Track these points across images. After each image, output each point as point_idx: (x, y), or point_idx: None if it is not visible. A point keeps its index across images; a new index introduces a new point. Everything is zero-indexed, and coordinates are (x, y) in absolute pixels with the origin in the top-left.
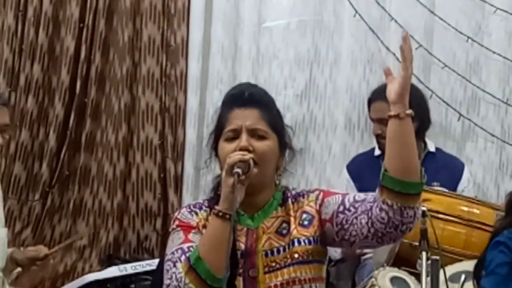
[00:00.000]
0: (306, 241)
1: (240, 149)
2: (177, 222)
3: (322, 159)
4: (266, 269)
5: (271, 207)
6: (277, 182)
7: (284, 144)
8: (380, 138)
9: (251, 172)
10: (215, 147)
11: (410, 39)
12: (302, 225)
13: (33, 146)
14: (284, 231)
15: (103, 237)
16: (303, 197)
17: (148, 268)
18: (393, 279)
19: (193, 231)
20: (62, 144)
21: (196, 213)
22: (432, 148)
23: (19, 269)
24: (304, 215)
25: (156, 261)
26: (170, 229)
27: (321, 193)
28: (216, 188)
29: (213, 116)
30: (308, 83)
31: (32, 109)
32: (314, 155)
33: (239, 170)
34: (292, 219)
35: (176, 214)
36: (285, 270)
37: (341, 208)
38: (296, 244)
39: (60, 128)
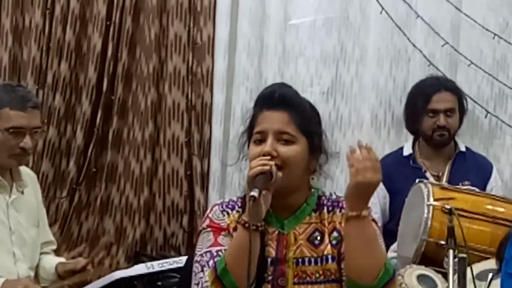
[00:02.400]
0: (337, 259)
1: (264, 155)
2: (208, 222)
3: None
4: (296, 279)
5: (303, 212)
6: (311, 184)
7: (316, 147)
8: (443, 130)
9: (275, 178)
10: (248, 147)
11: (362, 148)
12: (331, 242)
13: (61, 143)
14: (316, 242)
15: (130, 234)
16: (340, 210)
17: (175, 266)
18: (420, 277)
19: (223, 233)
20: (89, 142)
21: (228, 214)
22: (462, 148)
23: (65, 282)
24: (335, 234)
25: (183, 258)
26: (200, 228)
27: None
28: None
29: (244, 115)
30: (334, 80)
31: (59, 107)
32: (340, 153)
33: (255, 194)
34: (326, 230)
35: (208, 212)
36: (315, 286)
37: None
38: (330, 261)
39: (87, 126)
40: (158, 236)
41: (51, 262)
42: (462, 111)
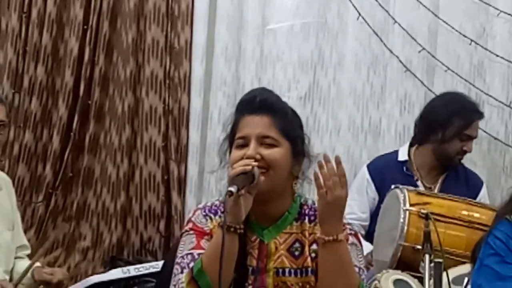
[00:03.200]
0: (316, 272)
1: (247, 158)
2: (190, 225)
3: None
4: None
5: (285, 222)
6: (294, 190)
7: (298, 151)
8: (464, 154)
9: (257, 181)
10: (229, 153)
11: (329, 163)
12: (310, 255)
13: (37, 147)
14: (297, 253)
15: (106, 238)
16: None
17: (151, 270)
18: (396, 282)
19: (205, 237)
20: (66, 146)
21: (211, 218)
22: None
23: (40, 286)
24: (314, 246)
25: (160, 263)
26: (183, 230)
27: None
28: None
29: (221, 120)
30: (312, 85)
31: (36, 111)
32: (318, 158)
33: (232, 189)
34: (306, 241)
35: (190, 215)
36: None
37: None
38: (309, 273)
39: (64, 130)
40: (134, 240)
41: (25, 267)
42: None
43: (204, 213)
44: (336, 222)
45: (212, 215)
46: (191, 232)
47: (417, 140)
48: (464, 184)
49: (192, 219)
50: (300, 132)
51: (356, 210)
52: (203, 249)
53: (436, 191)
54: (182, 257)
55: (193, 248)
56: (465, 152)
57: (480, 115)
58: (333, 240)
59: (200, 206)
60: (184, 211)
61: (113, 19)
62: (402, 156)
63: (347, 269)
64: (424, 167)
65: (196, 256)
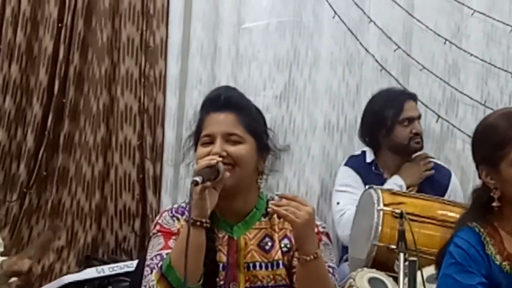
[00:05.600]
0: (287, 265)
1: (213, 155)
2: (158, 227)
3: (301, 161)
4: (248, 284)
5: (253, 218)
6: (259, 185)
7: (263, 147)
8: (418, 137)
9: (222, 176)
10: (195, 150)
11: (281, 202)
12: (281, 249)
13: (11, 146)
14: (267, 247)
15: (81, 238)
16: None
17: (126, 270)
18: (371, 280)
19: (173, 237)
20: (40, 145)
21: (178, 219)
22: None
23: (14, 278)
24: (286, 241)
25: (135, 262)
26: (151, 234)
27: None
28: None
29: (192, 119)
30: (287, 84)
31: (10, 109)
32: (293, 157)
33: (197, 179)
34: (276, 235)
35: (157, 218)
36: None
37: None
38: (280, 266)
39: (38, 129)
40: (109, 240)
41: None
42: None
43: (171, 214)
44: (313, 238)
45: (179, 215)
46: (159, 234)
47: (373, 146)
48: (429, 178)
49: (159, 221)
50: (264, 128)
51: (349, 198)
52: (171, 248)
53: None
54: (151, 258)
55: (161, 249)
56: (417, 134)
57: (408, 96)
58: (314, 258)
59: (167, 208)
60: (160, 210)
61: (88, 17)
62: (369, 157)
63: (326, 282)
64: (389, 168)
65: (165, 256)
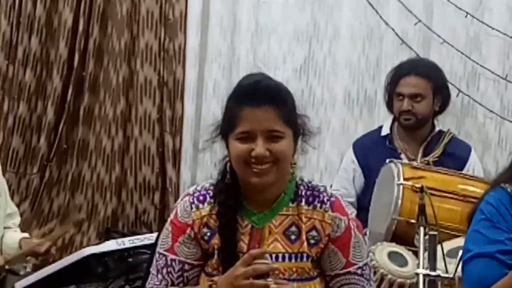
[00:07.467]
0: (314, 258)
1: (256, 156)
2: (172, 217)
3: (321, 134)
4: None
5: (281, 204)
6: (291, 171)
7: (299, 135)
8: (408, 114)
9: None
10: (225, 138)
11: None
12: (308, 241)
13: (31, 119)
14: (293, 237)
15: (101, 210)
16: (320, 206)
17: (146, 242)
18: (391, 254)
19: (181, 237)
20: (60, 118)
21: (197, 207)
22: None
23: (28, 258)
24: (314, 232)
25: (154, 235)
26: (169, 218)
27: (338, 231)
28: (223, 172)
29: (216, 92)
30: (307, 58)
31: (30, 82)
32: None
33: None
34: (303, 226)
35: (178, 201)
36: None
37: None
38: (304, 259)
39: (58, 102)
40: (129, 212)
41: (13, 238)
42: (440, 96)
43: (191, 201)
44: None
45: (200, 204)
46: (170, 228)
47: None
48: (451, 152)
49: (177, 209)
50: (297, 114)
51: (344, 185)
52: (176, 255)
53: (418, 161)
54: (159, 256)
55: (167, 250)
56: (406, 112)
57: (407, 71)
58: None
59: (191, 190)
60: (179, 183)
61: None
62: (385, 131)
63: None
64: (403, 139)
65: (169, 262)
